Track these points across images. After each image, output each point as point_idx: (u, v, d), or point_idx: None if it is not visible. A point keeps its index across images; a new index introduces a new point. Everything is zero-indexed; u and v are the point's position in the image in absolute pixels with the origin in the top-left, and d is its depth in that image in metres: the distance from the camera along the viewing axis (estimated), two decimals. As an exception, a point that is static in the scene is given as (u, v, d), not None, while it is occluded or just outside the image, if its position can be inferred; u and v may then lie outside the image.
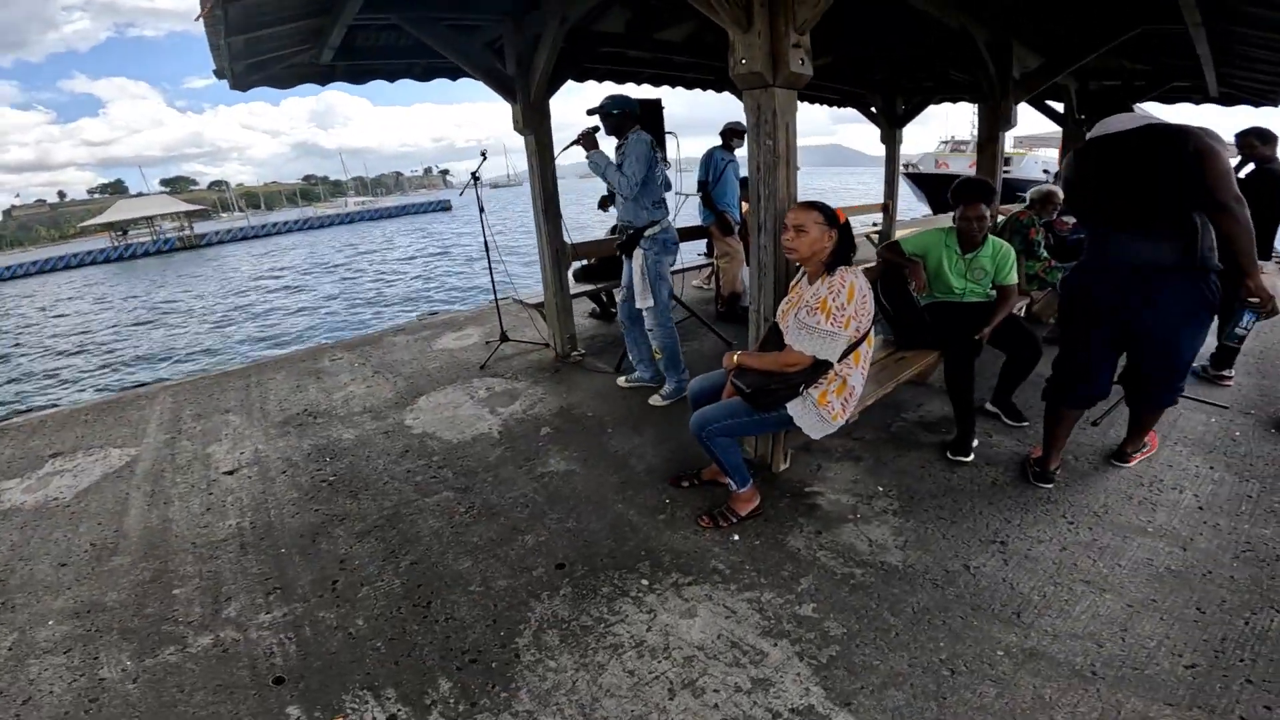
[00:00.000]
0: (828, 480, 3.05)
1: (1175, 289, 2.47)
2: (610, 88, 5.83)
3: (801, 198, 2.69)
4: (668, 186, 4.02)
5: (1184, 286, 2.46)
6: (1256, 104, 6.92)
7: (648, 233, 3.80)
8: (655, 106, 4.28)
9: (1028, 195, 5.04)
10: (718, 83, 6.69)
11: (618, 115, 3.65)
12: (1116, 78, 6.94)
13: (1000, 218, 5.14)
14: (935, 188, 22.64)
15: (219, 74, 3.80)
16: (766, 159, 2.74)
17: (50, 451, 4.13)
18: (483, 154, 4.67)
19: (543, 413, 3.98)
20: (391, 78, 4.82)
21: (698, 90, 6.85)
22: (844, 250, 2.51)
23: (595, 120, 3.70)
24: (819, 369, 2.47)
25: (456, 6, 3.91)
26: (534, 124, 4.34)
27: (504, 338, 5.16)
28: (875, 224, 9.63)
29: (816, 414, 2.52)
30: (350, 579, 2.56)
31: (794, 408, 2.51)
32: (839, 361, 2.47)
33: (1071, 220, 5.35)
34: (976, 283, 3.47)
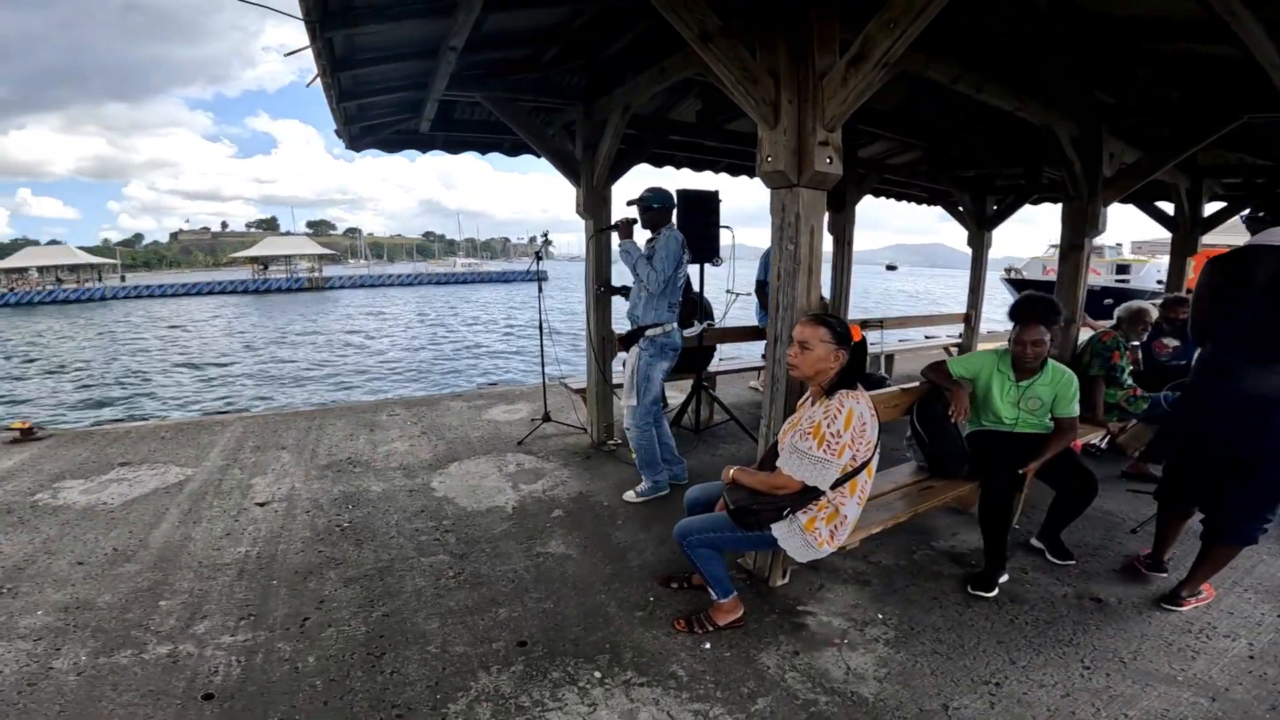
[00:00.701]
0: (825, 601, 2.92)
1: None
2: (688, 175, 6.15)
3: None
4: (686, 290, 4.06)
5: None
6: None
7: (649, 332, 3.85)
8: (711, 199, 4.40)
9: (1115, 313, 4.62)
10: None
11: (657, 209, 3.79)
12: (1235, 174, 6.40)
13: (1084, 334, 4.76)
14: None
15: (338, 134, 4.42)
16: (788, 264, 2.73)
17: (120, 460, 4.62)
18: (544, 235, 5.01)
19: (560, 495, 4.06)
20: (483, 150, 5.37)
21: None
22: (852, 372, 2.45)
23: (634, 211, 3.85)
24: (808, 495, 2.40)
25: (532, 89, 4.27)
26: (594, 209, 4.56)
27: (546, 417, 5.35)
28: (957, 336, 9.04)
29: (802, 539, 2.45)
30: (321, 619, 2.68)
31: (779, 530, 2.45)
32: (832, 489, 2.41)
33: (1173, 344, 4.96)
34: (1031, 413, 3.23)
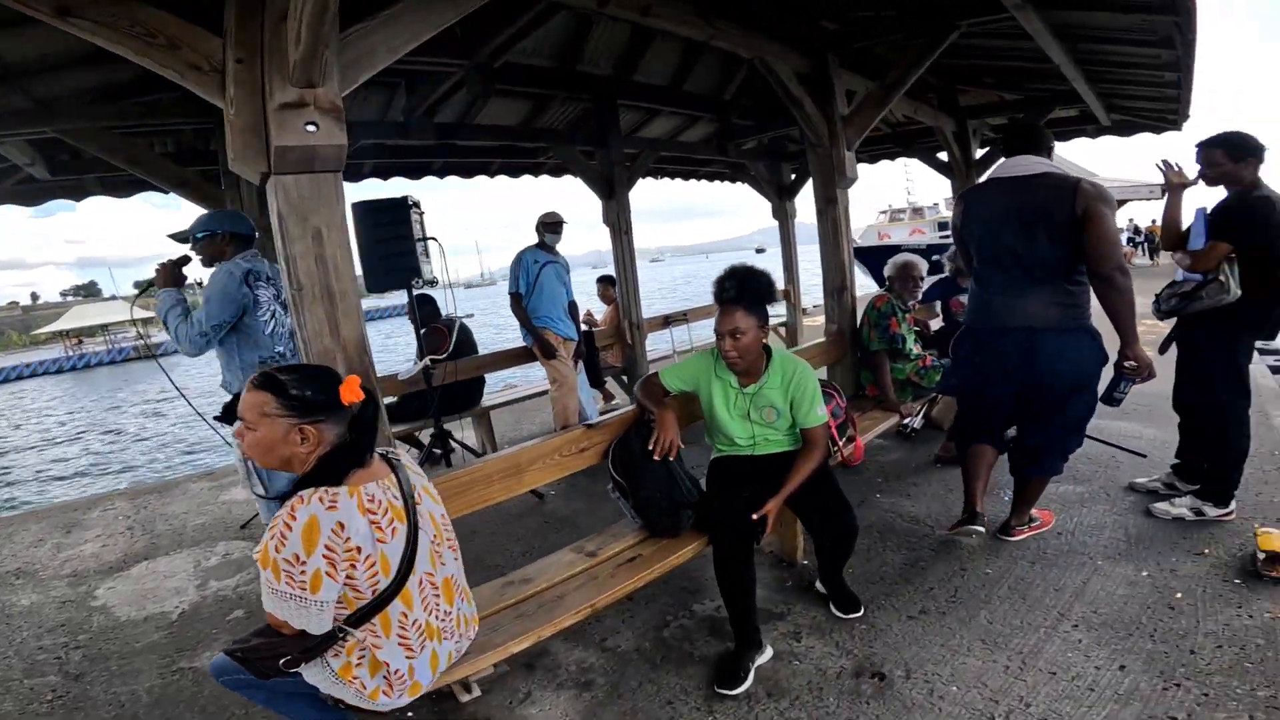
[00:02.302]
0: (524, 722, 2.38)
1: (1059, 348, 2.65)
2: (409, 184, 5.82)
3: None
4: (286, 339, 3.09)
5: (1068, 345, 2.65)
6: (1158, 130, 6.46)
7: None
8: (398, 207, 3.71)
9: (884, 274, 4.32)
10: (539, 168, 7.07)
11: (218, 238, 3.03)
12: (998, 113, 6.67)
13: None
14: (880, 263, 22.75)
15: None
16: (292, 291, 2.01)
17: None
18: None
19: (254, 591, 3.68)
20: (165, 189, 4.76)
21: (546, 178, 7.21)
22: (345, 456, 1.75)
23: (186, 249, 3.10)
24: (319, 638, 1.75)
25: (146, 113, 3.67)
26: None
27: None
28: (779, 315, 8.68)
29: (345, 689, 1.83)
30: None
31: (315, 676, 1.81)
32: (357, 629, 1.76)
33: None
34: (769, 426, 2.70)
